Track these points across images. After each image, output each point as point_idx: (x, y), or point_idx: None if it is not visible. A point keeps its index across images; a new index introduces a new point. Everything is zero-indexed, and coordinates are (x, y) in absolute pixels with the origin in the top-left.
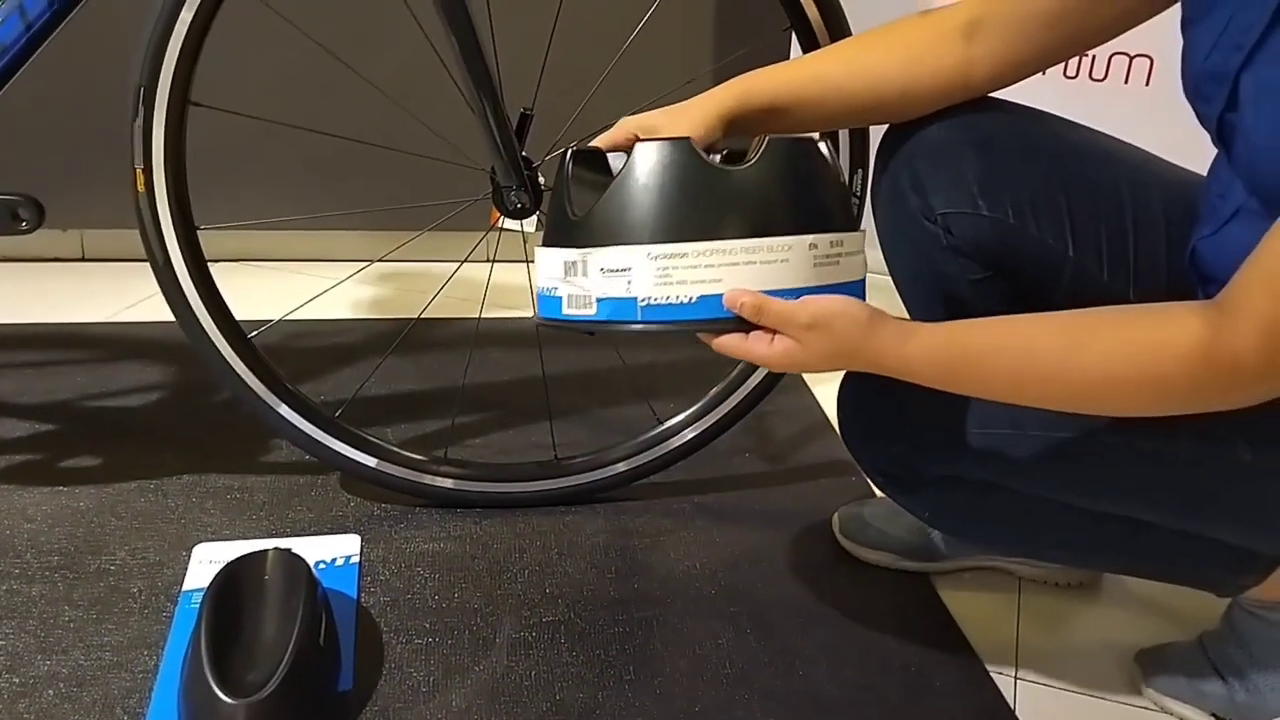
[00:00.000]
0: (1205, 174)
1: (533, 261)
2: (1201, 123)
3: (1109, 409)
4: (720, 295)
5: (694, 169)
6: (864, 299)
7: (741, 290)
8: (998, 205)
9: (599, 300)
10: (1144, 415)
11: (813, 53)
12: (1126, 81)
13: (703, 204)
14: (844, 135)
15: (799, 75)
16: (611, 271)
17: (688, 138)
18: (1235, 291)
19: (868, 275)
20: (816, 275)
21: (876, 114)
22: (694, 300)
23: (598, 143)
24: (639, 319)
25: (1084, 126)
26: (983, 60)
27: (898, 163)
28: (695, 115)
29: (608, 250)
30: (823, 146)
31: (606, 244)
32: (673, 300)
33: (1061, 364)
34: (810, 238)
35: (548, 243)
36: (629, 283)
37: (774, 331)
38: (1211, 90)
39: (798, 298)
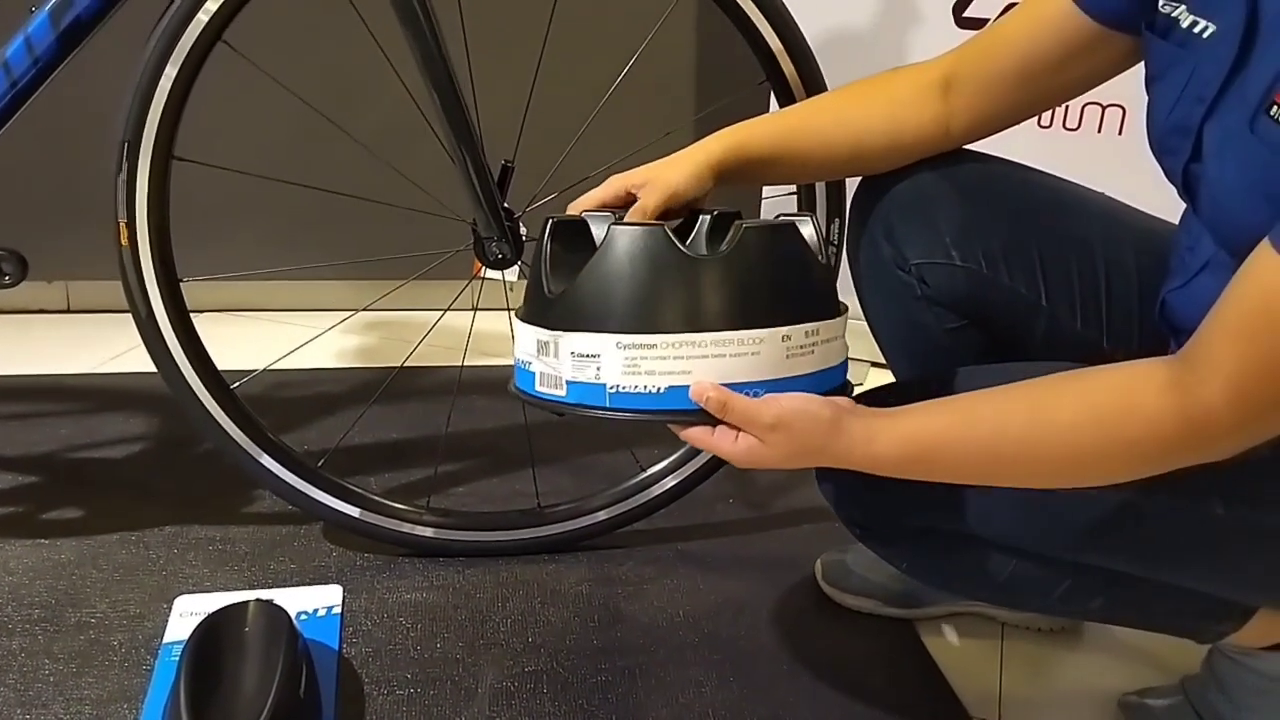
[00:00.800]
0: (1176, 223)
1: (515, 309)
2: (1168, 177)
3: (1084, 481)
4: (688, 387)
5: (667, 258)
6: (844, 381)
7: (707, 384)
8: (971, 255)
9: (569, 383)
10: (1120, 481)
11: (799, 104)
12: (1100, 131)
13: (675, 294)
14: (820, 185)
15: (788, 127)
16: (581, 356)
17: (663, 225)
18: (1200, 347)
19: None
20: (789, 366)
21: (860, 165)
22: (662, 391)
23: (586, 200)
24: (607, 405)
25: (1055, 176)
26: (960, 113)
27: (872, 214)
28: (686, 167)
29: (578, 335)
30: (806, 228)
31: (577, 329)
32: (640, 390)
33: (1030, 445)
34: (784, 330)
35: (524, 317)
36: (598, 369)
37: (739, 428)
38: (1176, 143)
39: (766, 391)
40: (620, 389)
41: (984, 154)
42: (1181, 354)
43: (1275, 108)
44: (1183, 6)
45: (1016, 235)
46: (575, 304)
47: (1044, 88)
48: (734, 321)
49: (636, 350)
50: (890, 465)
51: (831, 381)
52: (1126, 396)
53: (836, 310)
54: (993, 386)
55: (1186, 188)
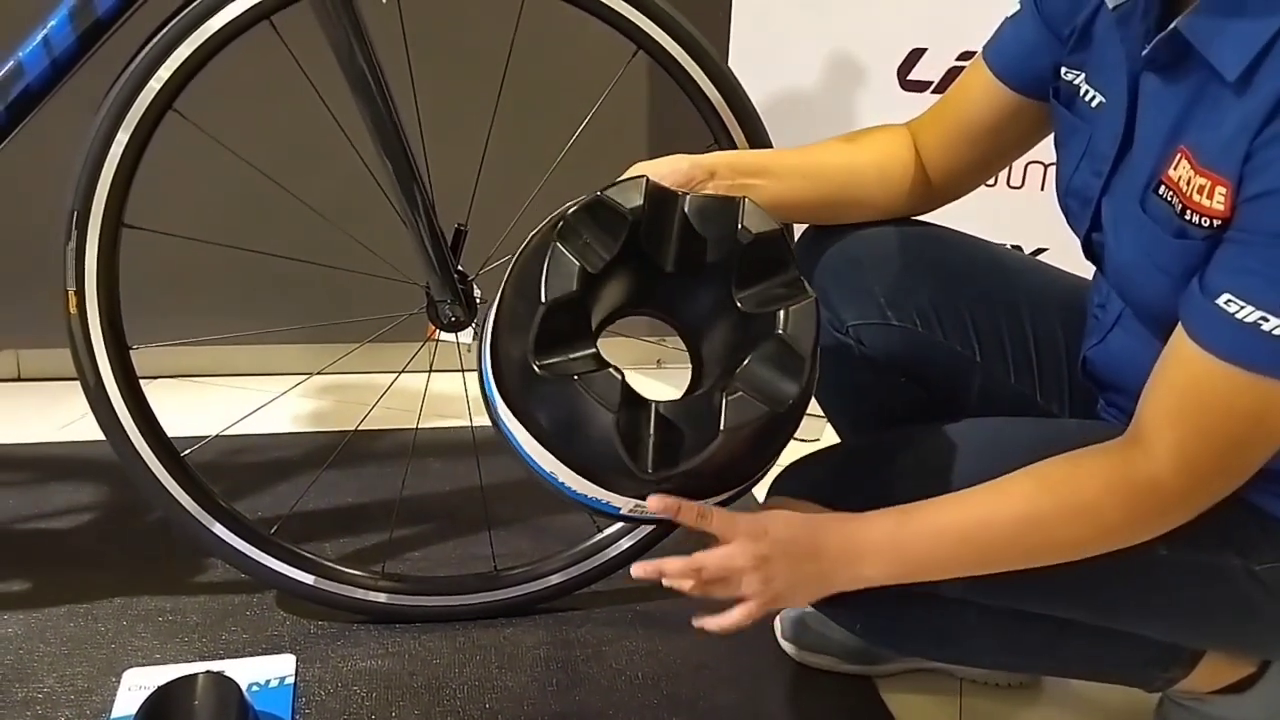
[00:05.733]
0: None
1: (469, 370)
2: (1075, 234)
3: (1059, 561)
4: None
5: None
6: None
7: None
8: (905, 315)
9: None
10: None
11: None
12: (1043, 189)
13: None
14: None
15: (778, 152)
16: None
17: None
18: (1143, 429)
19: None
20: None
21: (854, 192)
22: None
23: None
24: None
25: (979, 239)
26: (932, 165)
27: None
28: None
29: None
30: None
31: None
32: None
33: (1007, 549)
34: None
35: (601, 481)
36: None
37: None
38: (1078, 209)
39: None
40: None
41: (910, 219)
42: (1131, 436)
43: (1163, 187)
44: (1081, 75)
45: (947, 296)
46: (691, 486)
47: (990, 147)
48: None
49: None
50: (879, 581)
51: None
52: (1093, 490)
53: None
54: (949, 447)
55: (1090, 253)
